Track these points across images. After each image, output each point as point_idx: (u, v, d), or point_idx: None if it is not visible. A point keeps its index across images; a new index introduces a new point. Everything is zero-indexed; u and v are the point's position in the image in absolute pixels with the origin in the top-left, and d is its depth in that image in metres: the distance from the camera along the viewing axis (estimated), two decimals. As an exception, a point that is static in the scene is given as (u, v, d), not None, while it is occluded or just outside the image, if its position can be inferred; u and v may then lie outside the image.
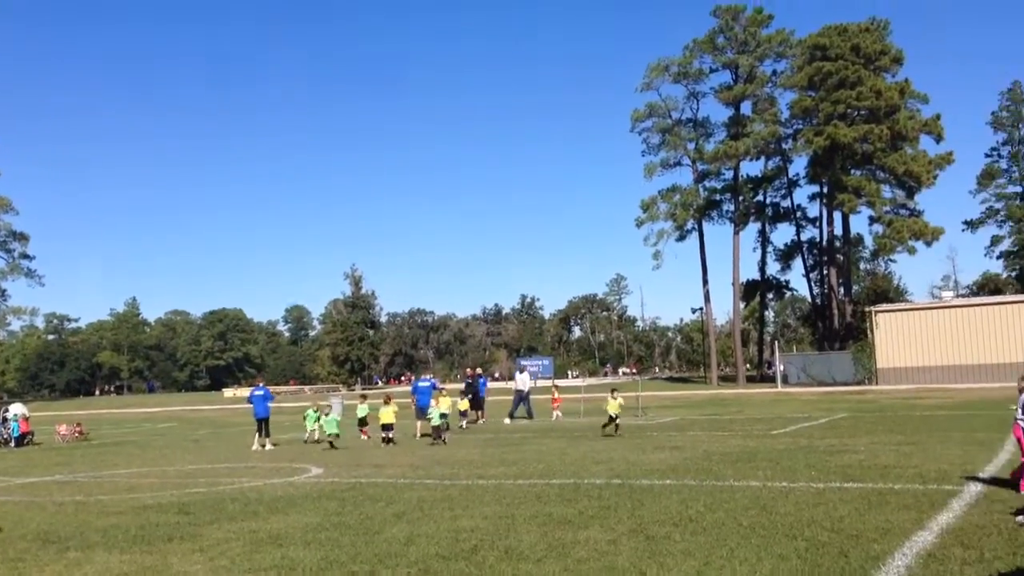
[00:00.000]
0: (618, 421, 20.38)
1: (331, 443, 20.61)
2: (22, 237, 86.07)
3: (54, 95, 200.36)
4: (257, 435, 21.65)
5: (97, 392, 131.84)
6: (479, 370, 34.19)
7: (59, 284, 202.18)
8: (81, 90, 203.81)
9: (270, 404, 22.37)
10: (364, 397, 24.95)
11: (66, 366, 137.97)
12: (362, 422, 23.22)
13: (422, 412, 23.04)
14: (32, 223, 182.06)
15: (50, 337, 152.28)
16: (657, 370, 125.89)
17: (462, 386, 30.76)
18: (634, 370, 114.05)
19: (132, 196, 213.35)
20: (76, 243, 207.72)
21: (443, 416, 21.36)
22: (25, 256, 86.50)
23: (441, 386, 30.79)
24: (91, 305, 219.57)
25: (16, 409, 29.27)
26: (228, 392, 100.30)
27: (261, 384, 23.41)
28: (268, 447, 21.11)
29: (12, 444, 26.80)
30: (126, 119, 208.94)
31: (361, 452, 19.11)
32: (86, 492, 13.73)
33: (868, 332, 52.29)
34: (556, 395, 30.94)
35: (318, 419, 22.66)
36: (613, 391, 21.62)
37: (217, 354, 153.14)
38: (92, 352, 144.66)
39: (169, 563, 7.88)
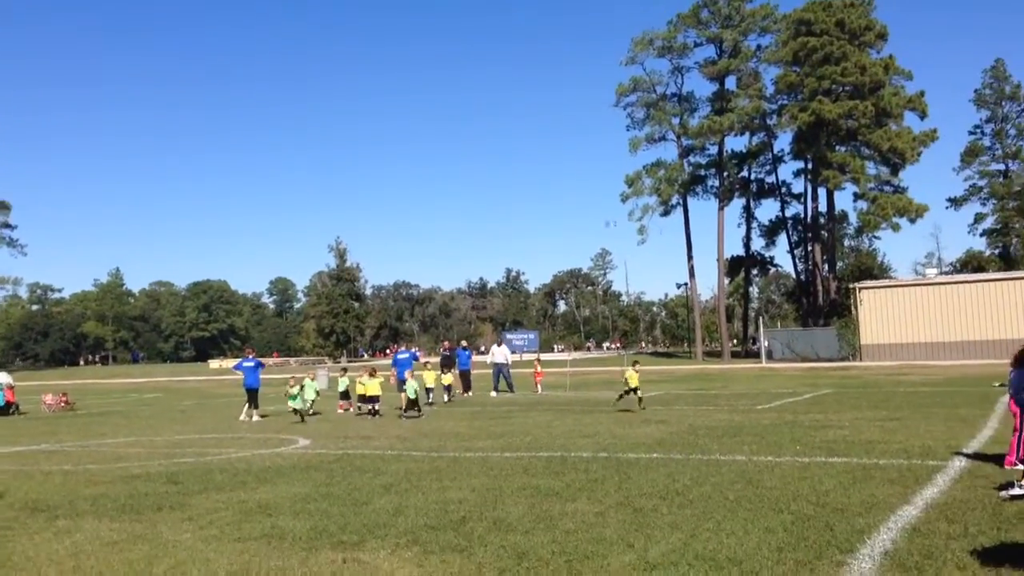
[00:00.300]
0: (640, 394, 20.08)
1: (302, 415, 20.22)
2: (3, 206, 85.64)
3: (35, 58, 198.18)
4: (246, 406, 21.63)
5: (82, 362, 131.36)
6: (463, 343, 34.07)
7: (42, 254, 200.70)
8: (64, 54, 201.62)
9: (260, 375, 22.30)
10: (345, 370, 24.82)
11: (50, 336, 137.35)
12: (343, 395, 23.14)
13: (402, 384, 23.11)
14: (13, 192, 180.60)
15: (34, 307, 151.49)
16: (643, 345, 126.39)
17: (438, 360, 30.59)
18: (618, 345, 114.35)
19: (115, 166, 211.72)
20: (58, 213, 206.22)
21: (429, 390, 21.34)
22: (7, 225, 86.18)
23: (426, 359, 30.79)
24: (74, 275, 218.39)
25: (0, 378, 29.11)
26: (214, 363, 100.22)
27: (252, 355, 23.26)
28: (256, 418, 21.10)
29: (-6, 413, 26.69)
30: (111, 85, 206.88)
31: (346, 424, 19.13)
32: (74, 461, 13.71)
33: (852, 308, 52.58)
34: (539, 369, 30.94)
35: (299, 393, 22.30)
36: (635, 363, 21.58)
37: (202, 325, 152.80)
38: (76, 322, 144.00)
39: (158, 532, 7.90)
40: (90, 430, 20.17)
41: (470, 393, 28.30)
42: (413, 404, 20.35)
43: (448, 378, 26.41)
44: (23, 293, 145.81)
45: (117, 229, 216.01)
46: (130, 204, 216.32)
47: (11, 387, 28.66)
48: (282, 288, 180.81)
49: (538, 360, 32.44)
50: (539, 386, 29.74)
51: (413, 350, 26.93)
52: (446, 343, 32.47)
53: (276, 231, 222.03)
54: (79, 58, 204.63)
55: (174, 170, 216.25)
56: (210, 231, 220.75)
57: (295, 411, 20.11)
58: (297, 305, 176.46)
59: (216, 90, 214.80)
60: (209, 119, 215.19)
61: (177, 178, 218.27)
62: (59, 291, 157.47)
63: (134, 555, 7.02)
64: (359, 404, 22.07)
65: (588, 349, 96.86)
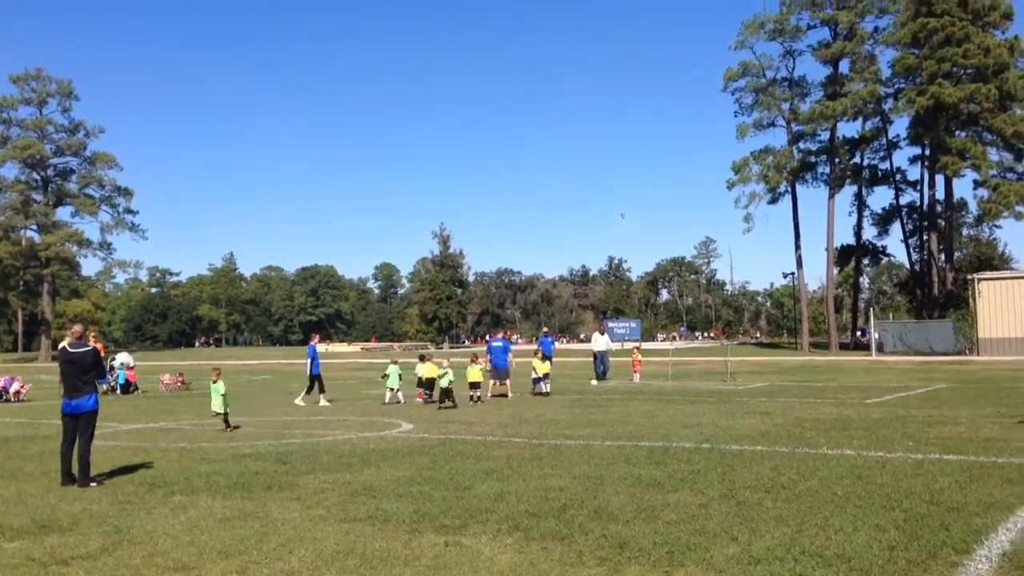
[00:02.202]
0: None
1: (226, 422, 15.93)
2: (127, 192, 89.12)
3: (155, 48, 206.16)
4: (306, 391, 21.98)
5: (196, 344, 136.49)
6: (545, 329, 33.42)
7: (161, 239, 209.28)
8: (183, 45, 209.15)
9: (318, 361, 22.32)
10: (423, 358, 24.38)
11: (168, 318, 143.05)
12: (420, 382, 22.11)
13: (496, 372, 23.15)
14: (136, 179, 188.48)
15: (153, 290, 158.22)
16: (741, 336, 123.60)
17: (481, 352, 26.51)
18: (713, 336, 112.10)
19: (231, 155, 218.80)
20: (177, 199, 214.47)
21: (475, 385, 20.33)
22: (129, 211, 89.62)
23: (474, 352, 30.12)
24: (191, 260, 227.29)
25: (122, 358, 30.42)
26: (320, 347, 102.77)
27: (315, 341, 23.26)
28: (323, 403, 21.28)
29: (118, 392, 27.93)
30: (226, 75, 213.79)
31: (447, 411, 19.28)
32: (189, 440, 14.26)
33: (970, 300, 50.55)
34: (638, 357, 30.67)
35: (400, 376, 22.00)
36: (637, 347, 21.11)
37: (310, 309, 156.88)
38: (192, 305, 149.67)
39: (268, 510, 8.15)
40: (204, 410, 20.89)
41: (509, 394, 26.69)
42: (447, 394, 19.61)
43: (475, 373, 21.38)
44: (143, 277, 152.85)
45: (231, 216, 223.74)
46: (244, 192, 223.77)
47: (131, 367, 29.95)
48: (387, 274, 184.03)
49: (637, 348, 32.21)
50: (637, 375, 29.52)
51: (507, 338, 26.60)
52: (501, 333, 29.97)
53: (382, 217, 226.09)
54: (198, 46, 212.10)
55: (284, 159, 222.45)
56: (319, 217, 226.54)
57: (217, 415, 15.93)
58: (401, 291, 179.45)
59: (325, 79, 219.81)
60: (318, 108, 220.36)
61: (288, 166, 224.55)
62: (177, 275, 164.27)
63: (245, 532, 7.26)
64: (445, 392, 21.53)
65: (673, 339, 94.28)
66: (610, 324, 75.22)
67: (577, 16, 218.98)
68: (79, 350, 10.30)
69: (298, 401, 21.69)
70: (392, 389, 21.54)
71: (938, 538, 6.50)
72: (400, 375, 21.72)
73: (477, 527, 7.22)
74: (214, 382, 16.18)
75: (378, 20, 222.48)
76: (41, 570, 6.28)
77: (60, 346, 10.71)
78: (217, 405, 15.90)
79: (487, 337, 29.98)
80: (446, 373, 19.88)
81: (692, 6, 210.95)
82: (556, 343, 29.55)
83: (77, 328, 10.67)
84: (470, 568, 6.01)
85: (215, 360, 72.64)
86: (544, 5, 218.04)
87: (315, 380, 22.02)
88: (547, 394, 22.54)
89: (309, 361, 22.32)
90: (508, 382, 23.12)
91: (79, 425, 10.14)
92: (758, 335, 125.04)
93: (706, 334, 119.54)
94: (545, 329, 33.20)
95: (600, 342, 30.15)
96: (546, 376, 23.27)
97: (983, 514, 7.26)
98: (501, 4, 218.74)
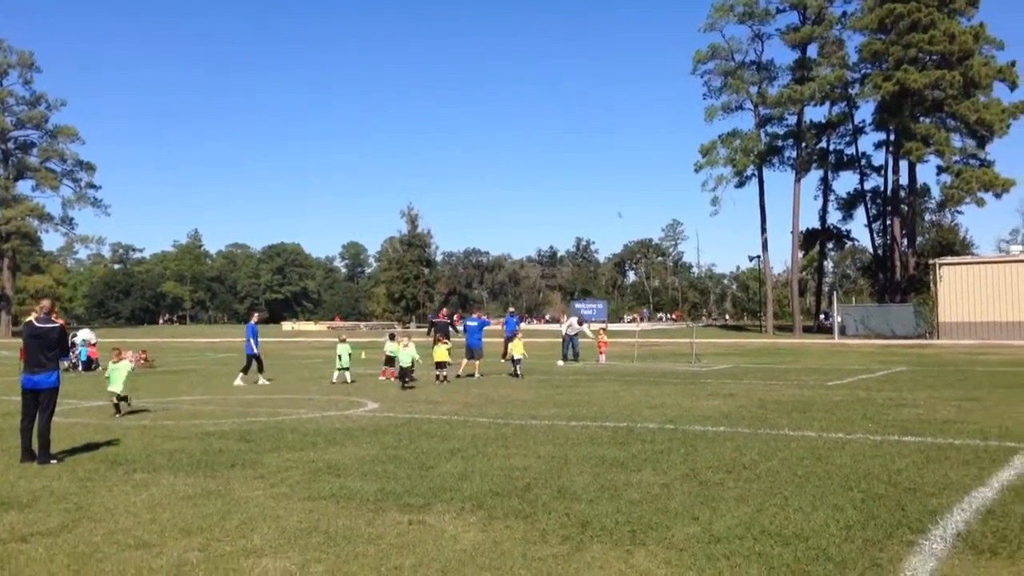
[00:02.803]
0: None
1: (117, 406, 14.93)
2: (89, 167, 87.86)
3: (118, 20, 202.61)
4: (243, 373, 21.72)
5: (160, 321, 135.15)
6: (511, 309, 33.44)
7: (125, 215, 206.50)
8: (148, 17, 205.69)
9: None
10: (392, 336, 24.38)
11: (131, 295, 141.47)
12: (388, 361, 22.35)
13: (468, 351, 23.13)
14: (98, 153, 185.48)
15: (116, 266, 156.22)
16: (705, 318, 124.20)
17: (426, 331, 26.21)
18: (675, 318, 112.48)
19: (195, 130, 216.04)
20: (141, 174, 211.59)
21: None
22: (92, 186, 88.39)
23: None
24: (155, 236, 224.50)
25: (84, 335, 30.08)
26: (287, 325, 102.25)
27: (253, 322, 23.04)
28: (262, 381, 21.13)
29: (80, 369, 27.62)
30: (191, 50, 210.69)
31: (414, 390, 19.28)
32: (152, 418, 14.15)
33: (931, 285, 51.26)
34: (604, 338, 30.73)
35: (350, 355, 21.86)
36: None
37: (276, 287, 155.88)
38: (156, 282, 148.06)
39: (231, 488, 8.11)
40: (167, 387, 20.78)
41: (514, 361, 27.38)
42: (407, 372, 19.61)
43: (441, 353, 21.22)
44: (106, 253, 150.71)
45: (197, 192, 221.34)
46: (209, 167, 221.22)
47: (93, 344, 29.62)
48: (354, 252, 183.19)
49: (604, 330, 32.28)
50: (603, 356, 29.64)
51: (483, 317, 26.59)
52: (444, 310, 28.89)
53: (349, 196, 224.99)
54: (164, 18, 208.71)
55: (252, 134, 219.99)
56: (285, 195, 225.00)
57: (117, 400, 14.91)
58: (368, 270, 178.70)
59: (290, 54, 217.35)
60: (284, 84, 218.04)
61: (254, 142, 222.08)
62: (140, 251, 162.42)
63: (207, 509, 7.23)
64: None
65: (633, 320, 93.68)
66: (577, 305, 75.38)
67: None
68: (45, 325, 10.12)
69: (238, 382, 21.29)
70: (340, 369, 21.33)
71: (895, 518, 6.61)
72: (350, 354, 21.60)
73: (441, 506, 7.24)
74: (115, 362, 15.25)
75: (343, 1, 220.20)
76: (0, 547, 6.21)
77: (26, 320, 10.55)
78: (117, 386, 14.81)
79: (454, 317, 29.71)
80: (407, 350, 19.82)
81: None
82: (523, 323, 29.49)
83: (45, 303, 10.47)
84: (434, 546, 6.03)
85: (180, 338, 72.00)
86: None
87: (252, 359, 21.85)
88: (518, 376, 22.41)
89: (249, 340, 22.15)
90: (478, 363, 23.13)
91: (40, 402, 10.01)
92: (726, 318, 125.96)
93: (668, 316, 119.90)
94: (511, 309, 33.10)
95: (574, 326, 30.28)
96: (518, 360, 22.89)
97: (939, 495, 7.39)
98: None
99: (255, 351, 22.13)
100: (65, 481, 8.61)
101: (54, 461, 9.70)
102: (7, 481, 8.71)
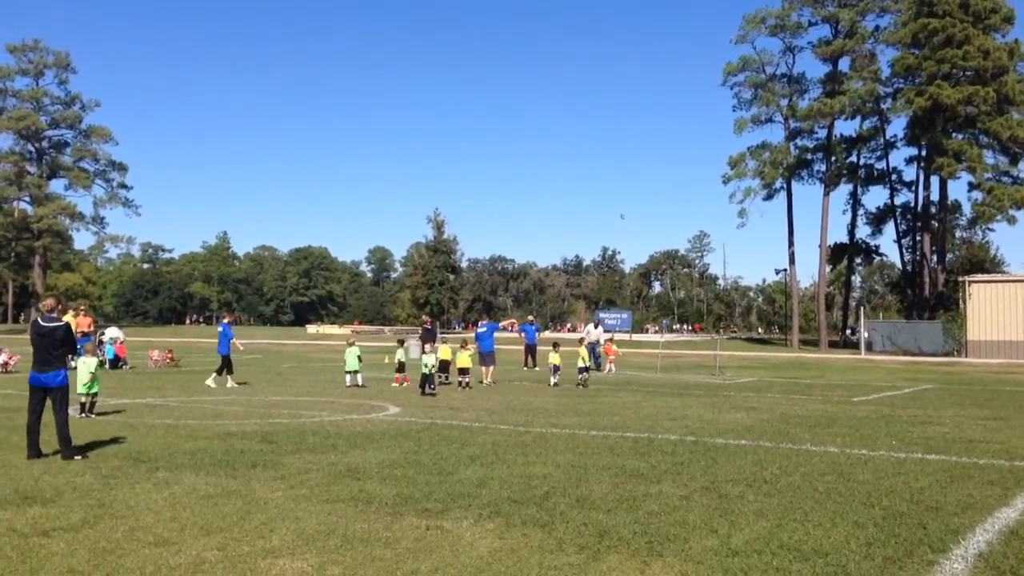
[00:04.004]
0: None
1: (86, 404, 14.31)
2: (121, 167, 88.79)
3: (153, 24, 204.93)
4: (228, 374, 21.25)
5: (187, 321, 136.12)
6: (530, 317, 33.43)
7: (155, 215, 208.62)
8: (182, 21, 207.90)
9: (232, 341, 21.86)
10: (402, 342, 24.20)
11: (159, 294, 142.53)
12: (401, 367, 22.25)
13: (480, 357, 23.12)
14: (130, 154, 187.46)
15: (145, 266, 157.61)
16: (722, 331, 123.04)
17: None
18: (695, 330, 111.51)
19: (226, 132, 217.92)
20: (172, 175, 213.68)
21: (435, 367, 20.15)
22: (123, 186, 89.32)
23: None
24: (185, 237, 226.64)
25: (112, 333, 30.37)
26: (311, 328, 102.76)
27: (226, 321, 22.60)
28: (231, 384, 20.67)
29: (107, 366, 27.88)
30: (223, 53, 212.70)
31: (435, 395, 19.29)
32: (175, 416, 14.27)
33: (960, 302, 50.68)
34: (610, 347, 30.43)
35: (360, 359, 21.74)
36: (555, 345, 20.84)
37: (302, 291, 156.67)
38: (184, 282, 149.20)
39: (252, 488, 8.17)
40: (192, 387, 20.92)
41: (537, 368, 28.04)
42: (428, 379, 19.36)
43: (456, 355, 21.59)
44: (136, 252, 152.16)
45: (226, 194, 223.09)
46: (239, 170, 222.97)
47: (121, 342, 29.89)
48: (380, 257, 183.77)
49: (611, 340, 32.14)
50: (611, 364, 29.36)
51: (490, 323, 26.66)
52: (426, 317, 29.22)
53: (377, 201, 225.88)
54: (197, 23, 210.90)
55: (281, 138, 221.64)
56: (313, 198, 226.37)
57: (84, 401, 14.18)
58: (394, 275, 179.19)
59: (321, 60, 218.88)
60: (315, 89, 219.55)
61: (284, 146, 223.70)
62: (169, 251, 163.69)
63: (227, 509, 7.28)
64: (442, 375, 21.48)
65: (646, 331, 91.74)
66: (601, 315, 75.23)
67: (576, 6, 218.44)
68: (50, 324, 10.07)
69: (209, 382, 20.71)
70: (352, 372, 21.24)
71: (915, 536, 6.55)
72: (358, 356, 21.53)
73: (459, 512, 7.25)
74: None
75: (376, 6, 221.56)
76: (22, 541, 6.29)
77: (32, 319, 10.56)
78: (84, 386, 14.02)
79: (477, 323, 29.84)
80: (428, 356, 19.79)
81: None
82: (547, 332, 29.53)
83: (49, 301, 10.42)
84: (450, 552, 6.04)
85: (206, 338, 72.54)
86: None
87: (227, 360, 21.42)
88: (556, 385, 21.94)
89: (222, 339, 21.67)
90: (491, 368, 23.05)
91: (52, 402, 10.02)
92: (760, 331, 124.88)
93: (688, 327, 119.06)
94: (530, 317, 33.02)
95: (593, 333, 30.16)
96: (556, 368, 22.47)
97: (961, 514, 7.31)
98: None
99: (227, 351, 21.51)
100: (88, 477, 8.71)
101: (79, 457, 9.78)
102: (31, 476, 8.81)
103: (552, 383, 22.10)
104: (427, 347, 20.73)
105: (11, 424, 12.75)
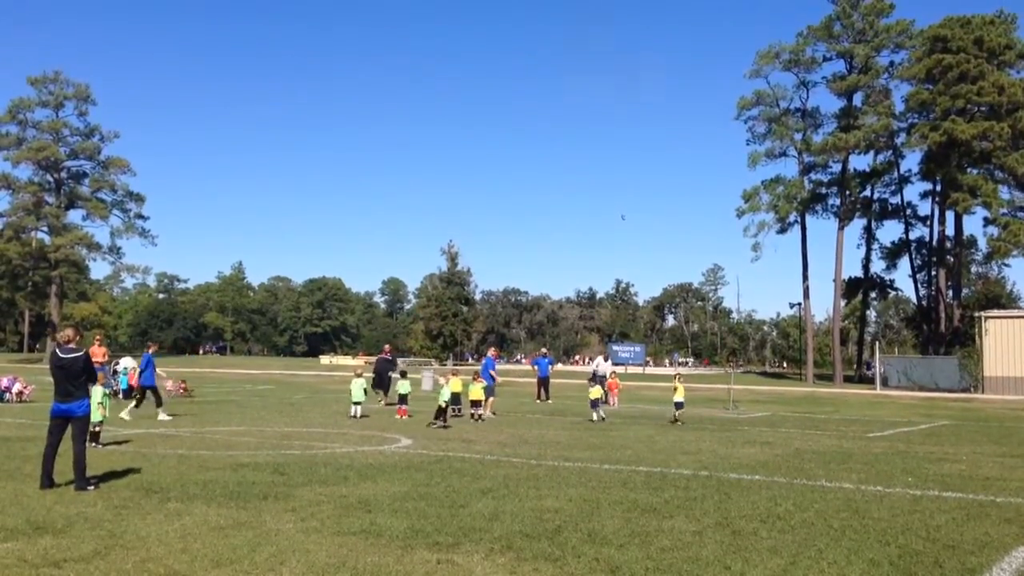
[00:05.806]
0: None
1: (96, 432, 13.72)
2: (138, 198, 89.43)
3: (171, 55, 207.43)
4: (135, 404, 20.62)
5: (201, 351, 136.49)
6: (544, 349, 33.53)
7: (171, 245, 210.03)
8: (199, 53, 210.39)
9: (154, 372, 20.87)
10: (405, 374, 24.11)
11: (174, 324, 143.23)
12: (403, 399, 21.96)
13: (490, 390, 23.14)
14: (147, 185, 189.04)
15: (160, 296, 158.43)
16: (731, 365, 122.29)
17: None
18: (705, 364, 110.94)
19: (242, 164, 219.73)
20: (188, 206, 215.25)
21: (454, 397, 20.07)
22: (140, 216, 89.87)
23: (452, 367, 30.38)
24: (200, 267, 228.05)
25: (126, 363, 30.44)
26: (324, 359, 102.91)
27: (149, 352, 21.38)
28: (163, 417, 19.65)
29: (120, 396, 27.91)
30: (240, 84, 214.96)
31: (449, 428, 19.24)
32: (188, 447, 14.27)
33: (976, 338, 50.33)
34: (615, 381, 30.23)
35: (365, 391, 21.71)
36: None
37: (316, 321, 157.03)
38: (199, 312, 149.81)
39: (263, 520, 8.14)
40: (205, 417, 20.94)
41: (550, 401, 28.11)
42: (442, 412, 19.32)
43: (468, 388, 21.36)
44: (151, 282, 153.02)
45: (242, 224, 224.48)
46: (255, 201, 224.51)
47: (135, 371, 29.94)
48: (394, 288, 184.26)
49: (615, 374, 32.01)
50: (615, 398, 29.13)
51: (494, 357, 26.87)
52: (387, 347, 28.81)
53: (391, 232, 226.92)
54: (213, 55, 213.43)
55: (296, 169, 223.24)
56: (328, 230, 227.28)
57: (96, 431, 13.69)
58: (407, 306, 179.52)
59: (336, 92, 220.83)
60: (331, 122, 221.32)
61: (299, 177, 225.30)
62: (185, 282, 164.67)
63: (238, 541, 7.26)
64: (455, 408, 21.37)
65: (646, 364, 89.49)
66: (614, 348, 75.06)
67: (592, 41, 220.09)
68: (69, 355, 10.09)
69: (124, 415, 19.56)
70: (357, 403, 21.15)
71: (932, 575, 6.47)
72: (365, 389, 21.53)
73: (470, 545, 7.21)
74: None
75: (390, 33, 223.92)
76: (33, 571, 6.28)
77: (50, 351, 10.54)
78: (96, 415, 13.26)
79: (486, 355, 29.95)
80: (446, 388, 19.85)
81: (705, 34, 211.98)
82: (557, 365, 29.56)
83: (68, 332, 10.42)
84: (461, 586, 5.99)
85: (220, 368, 72.67)
86: (559, 27, 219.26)
87: (146, 391, 20.84)
88: (601, 419, 21.49)
89: (141, 371, 20.89)
90: (490, 400, 22.91)
91: (73, 430, 10.05)
92: (780, 365, 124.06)
93: (698, 361, 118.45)
94: (544, 350, 33.09)
95: (603, 366, 30.07)
96: (595, 402, 21.99)
97: (978, 552, 7.23)
98: (515, 23, 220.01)
99: (152, 383, 20.75)
100: (100, 508, 8.70)
101: (91, 487, 9.78)
102: (43, 506, 8.82)
103: (597, 417, 21.54)
104: (441, 379, 20.69)
105: (24, 454, 12.77)
